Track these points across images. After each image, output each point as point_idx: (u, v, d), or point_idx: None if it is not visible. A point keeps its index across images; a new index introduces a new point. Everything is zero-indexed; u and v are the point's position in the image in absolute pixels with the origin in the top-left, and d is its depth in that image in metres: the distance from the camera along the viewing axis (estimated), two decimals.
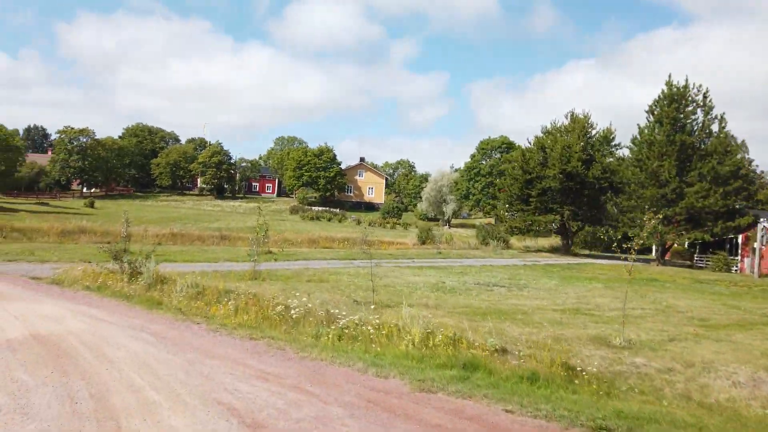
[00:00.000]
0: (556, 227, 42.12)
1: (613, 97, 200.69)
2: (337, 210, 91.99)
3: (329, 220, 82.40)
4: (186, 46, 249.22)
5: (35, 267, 18.47)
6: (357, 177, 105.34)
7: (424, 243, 43.56)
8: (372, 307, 12.72)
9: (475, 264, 29.79)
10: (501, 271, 26.31)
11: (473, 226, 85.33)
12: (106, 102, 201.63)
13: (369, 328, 9.90)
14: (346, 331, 10.01)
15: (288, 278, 20.28)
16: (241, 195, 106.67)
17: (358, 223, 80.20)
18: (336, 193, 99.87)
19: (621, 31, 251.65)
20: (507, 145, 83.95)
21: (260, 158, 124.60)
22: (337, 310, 11.51)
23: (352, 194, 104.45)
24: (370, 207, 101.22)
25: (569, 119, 41.91)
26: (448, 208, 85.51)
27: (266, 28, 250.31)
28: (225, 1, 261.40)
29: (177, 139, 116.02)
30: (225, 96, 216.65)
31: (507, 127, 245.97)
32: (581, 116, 41.62)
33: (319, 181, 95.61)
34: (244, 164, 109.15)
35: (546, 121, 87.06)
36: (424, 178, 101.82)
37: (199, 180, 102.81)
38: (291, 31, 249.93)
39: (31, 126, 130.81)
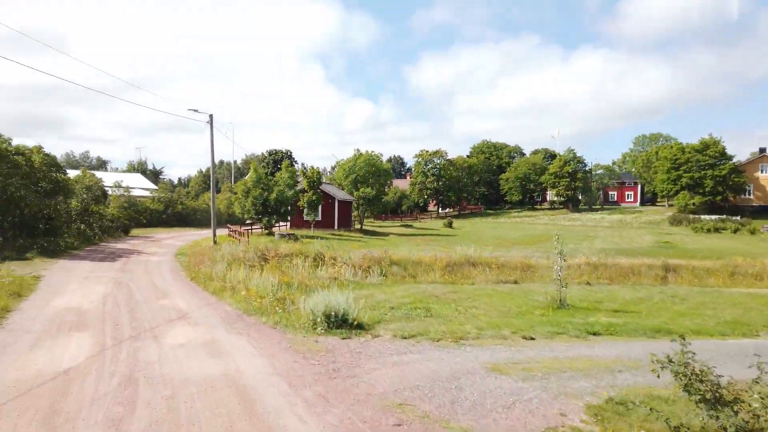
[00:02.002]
0: None
1: None
2: (737, 217, 68.18)
3: (734, 231, 60.31)
4: (516, 65, 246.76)
5: (451, 364, 8.60)
6: (759, 173, 77.96)
7: None
8: None
9: None
10: None
11: None
12: (445, 130, 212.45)
13: None
14: None
15: None
16: (597, 206, 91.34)
17: None
18: (729, 197, 75.18)
19: None
20: None
21: (614, 163, 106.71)
22: None
23: (751, 196, 77.64)
24: None
25: None
26: None
27: (597, 29, 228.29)
28: (553, 11, 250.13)
29: (522, 153, 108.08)
30: (556, 107, 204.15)
31: None
32: None
33: (705, 182, 73.07)
34: (599, 171, 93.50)
35: None
36: None
37: (549, 193, 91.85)
38: (626, 25, 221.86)
39: (391, 156, 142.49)
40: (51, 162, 28.00)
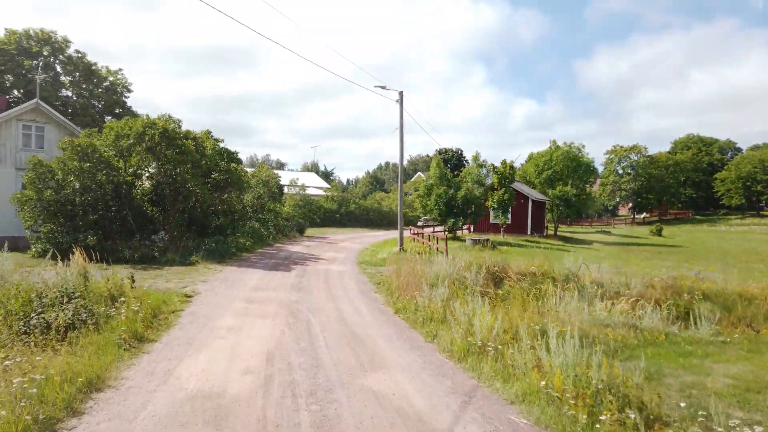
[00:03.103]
0: None
1: None
2: None
3: None
4: (708, 53, 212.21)
5: None
6: None
7: None
8: None
9: None
10: None
11: None
12: (620, 128, 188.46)
13: None
14: None
15: None
16: None
17: None
18: None
19: None
20: None
21: None
22: None
23: None
24: None
25: None
26: None
27: None
28: None
29: (737, 149, 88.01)
30: (763, 99, 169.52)
31: None
32: None
33: None
34: None
35: None
36: None
37: None
38: None
39: None
40: (223, 150, 23.68)
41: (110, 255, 18.66)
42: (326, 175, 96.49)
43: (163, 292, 12.87)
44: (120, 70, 42.47)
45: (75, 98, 41.27)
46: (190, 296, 12.73)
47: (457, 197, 35.17)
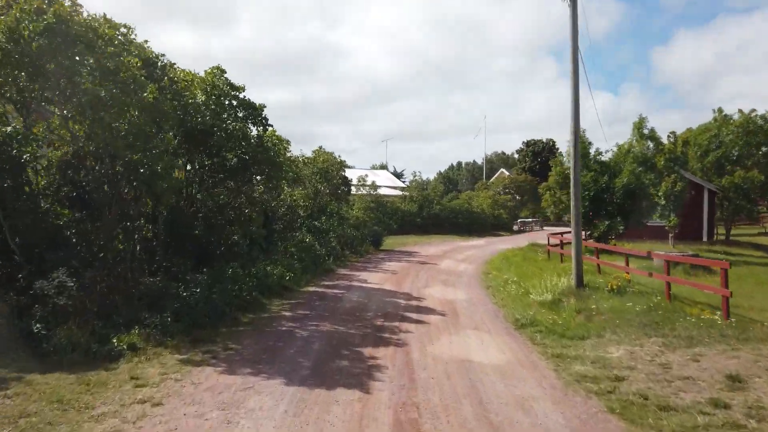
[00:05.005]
0: None
1: None
2: None
3: None
4: None
5: None
6: None
7: None
8: None
9: None
10: None
11: None
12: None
13: None
14: None
15: None
16: None
17: None
18: None
19: None
20: None
21: None
22: None
23: None
24: None
25: None
26: None
27: None
28: None
29: None
30: None
31: None
32: None
33: None
34: None
35: None
36: None
37: None
38: None
39: None
40: (234, 99, 11.75)
41: None
42: (397, 176, 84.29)
43: None
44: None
45: None
46: None
47: (615, 187, 21.74)
